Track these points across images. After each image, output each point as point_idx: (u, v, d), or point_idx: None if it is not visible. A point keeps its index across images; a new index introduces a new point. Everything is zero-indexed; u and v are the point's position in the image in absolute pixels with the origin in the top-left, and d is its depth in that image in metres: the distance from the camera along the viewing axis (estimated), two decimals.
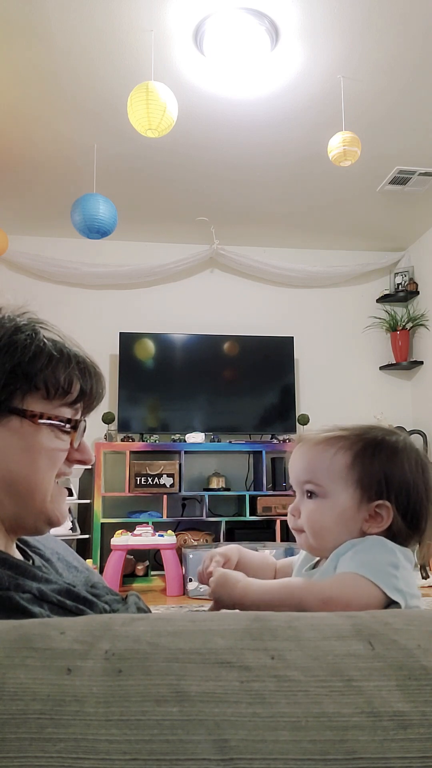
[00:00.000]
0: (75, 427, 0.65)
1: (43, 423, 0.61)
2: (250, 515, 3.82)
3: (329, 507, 0.78)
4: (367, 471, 0.77)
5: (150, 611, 0.67)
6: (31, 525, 0.63)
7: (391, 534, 0.76)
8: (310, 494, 0.80)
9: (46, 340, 0.62)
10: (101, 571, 3.38)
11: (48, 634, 0.31)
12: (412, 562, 0.75)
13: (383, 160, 3.38)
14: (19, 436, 0.60)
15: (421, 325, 4.37)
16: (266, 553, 1.01)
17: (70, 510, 3.67)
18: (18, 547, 0.67)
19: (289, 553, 3.27)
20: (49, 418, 0.62)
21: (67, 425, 0.63)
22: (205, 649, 0.30)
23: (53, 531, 0.67)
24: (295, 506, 0.82)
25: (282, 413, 4.24)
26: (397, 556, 0.72)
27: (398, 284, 4.56)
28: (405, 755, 0.27)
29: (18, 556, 0.65)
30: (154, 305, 4.43)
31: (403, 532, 0.76)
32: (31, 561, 0.66)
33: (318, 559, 0.85)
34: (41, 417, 0.61)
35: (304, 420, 4.20)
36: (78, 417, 0.66)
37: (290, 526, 0.83)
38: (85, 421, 0.67)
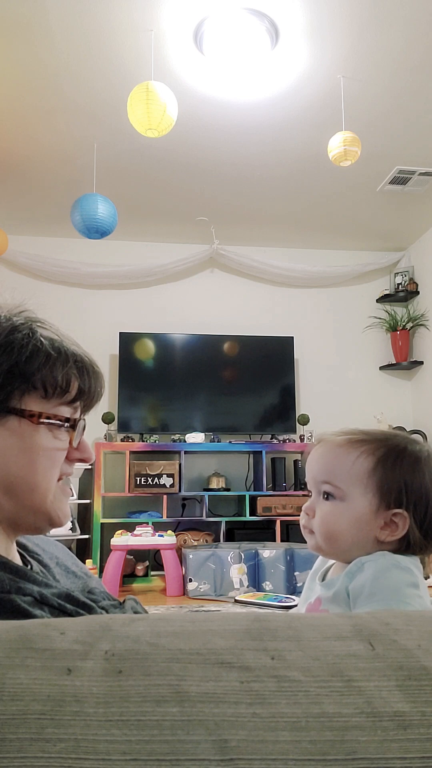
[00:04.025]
0: (74, 427, 0.64)
1: (42, 423, 0.61)
2: (250, 515, 3.82)
3: (345, 511, 0.76)
4: (388, 478, 0.75)
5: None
6: (31, 524, 0.63)
7: (406, 544, 0.75)
8: (327, 496, 0.78)
9: (43, 339, 0.62)
10: (101, 572, 3.39)
11: (48, 635, 0.31)
12: (422, 571, 0.74)
13: (383, 160, 3.38)
14: (17, 437, 0.60)
15: (421, 325, 4.37)
16: None
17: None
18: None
19: (289, 553, 3.27)
20: (47, 418, 0.61)
21: (66, 424, 0.63)
22: (205, 650, 0.30)
23: (53, 531, 0.66)
24: (310, 506, 0.81)
25: (282, 413, 4.24)
26: (413, 573, 0.71)
27: (398, 284, 4.56)
28: (405, 755, 0.27)
29: (18, 560, 0.65)
30: (154, 305, 4.43)
31: (419, 543, 0.75)
32: (29, 566, 0.66)
33: (330, 564, 0.84)
34: (39, 417, 0.61)
35: (304, 420, 4.20)
36: (77, 416, 0.65)
37: (301, 524, 0.82)
38: (84, 420, 0.67)
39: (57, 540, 0.80)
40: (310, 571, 0.87)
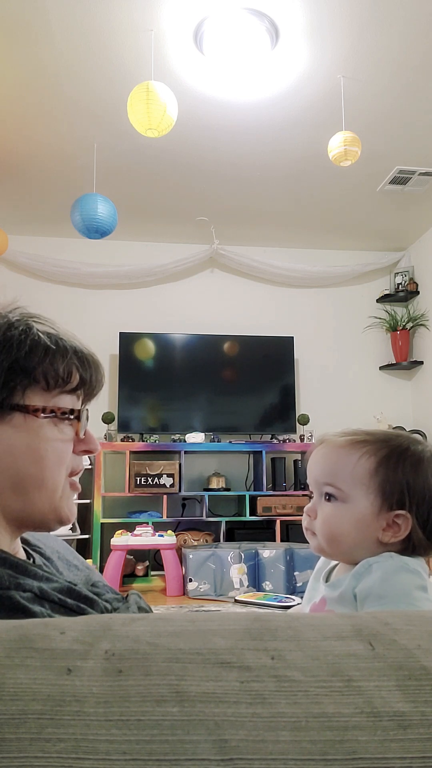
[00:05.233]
0: (78, 418, 0.64)
1: (46, 417, 0.61)
2: (250, 515, 3.82)
3: (347, 512, 0.76)
4: (390, 479, 0.75)
5: (151, 610, 0.67)
6: (39, 521, 0.63)
7: (410, 545, 0.74)
8: (329, 497, 0.78)
9: (40, 334, 0.62)
10: (101, 572, 3.38)
11: (48, 634, 0.31)
12: (428, 572, 0.74)
13: (383, 160, 3.38)
14: (23, 433, 0.60)
15: (421, 325, 4.37)
16: None
17: None
18: None
19: (289, 553, 3.27)
20: (51, 411, 0.61)
21: (71, 416, 0.63)
22: (205, 649, 0.30)
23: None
24: (311, 507, 0.80)
25: (282, 413, 4.24)
26: (421, 575, 0.70)
27: (398, 284, 4.56)
28: (405, 755, 0.27)
29: (21, 554, 0.65)
30: (154, 305, 4.43)
31: (423, 544, 0.74)
32: (31, 560, 0.66)
33: (334, 563, 0.84)
34: (44, 411, 0.61)
35: (304, 420, 4.20)
36: (79, 406, 0.65)
37: (304, 526, 0.81)
38: (87, 410, 0.67)
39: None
40: (311, 570, 0.87)
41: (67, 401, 0.63)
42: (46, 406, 0.61)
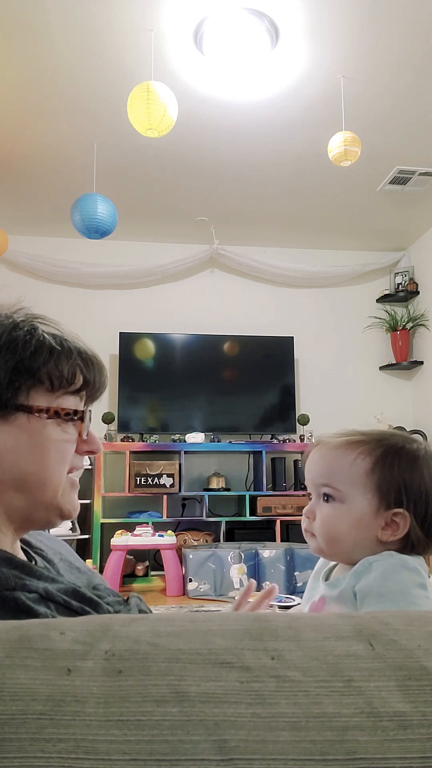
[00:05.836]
0: (81, 419, 0.64)
1: (50, 417, 0.61)
2: (250, 515, 3.82)
3: (346, 512, 0.76)
4: (386, 478, 0.75)
5: (151, 613, 0.67)
6: (43, 519, 0.63)
7: (409, 543, 0.75)
8: (327, 498, 0.78)
9: (45, 335, 0.62)
10: (101, 572, 3.38)
11: (48, 635, 0.31)
12: (427, 570, 0.74)
13: (383, 160, 3.38)
14: (27, 433, 0.60)
15: (421, 325, 4.37)
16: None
17: None
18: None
19: (289, 553, 3.27)
20: (55, 412, 0.61)
21: (74, 417, 0.63)
22: (205, 650, 0.30)
23: (53, 531, 0.67)
24: (310, 509, 0.80)
25: (282, 413, 4.24)
26: (421, 573, 0.71)
27: (398, 284, 4.56)
28: (405, 755, 0.27)
29: (21, 556, 0.65)
30: (154, 305, 4.43)
31: (421, 542, 0.75)
32: (33, 562, 0.66)
33: (334, 564, 0.84)
34: (47, 411, 0.61)
35: (304, 420, 4.20)
36: (82, 407, 0.66)
37: (303, 527, 0.82)
38: (90, 410, 0.67)
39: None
40: (311, 570, 0.87)
41: (71, 402, 0.63)
42: (49, 406, 0.61)
